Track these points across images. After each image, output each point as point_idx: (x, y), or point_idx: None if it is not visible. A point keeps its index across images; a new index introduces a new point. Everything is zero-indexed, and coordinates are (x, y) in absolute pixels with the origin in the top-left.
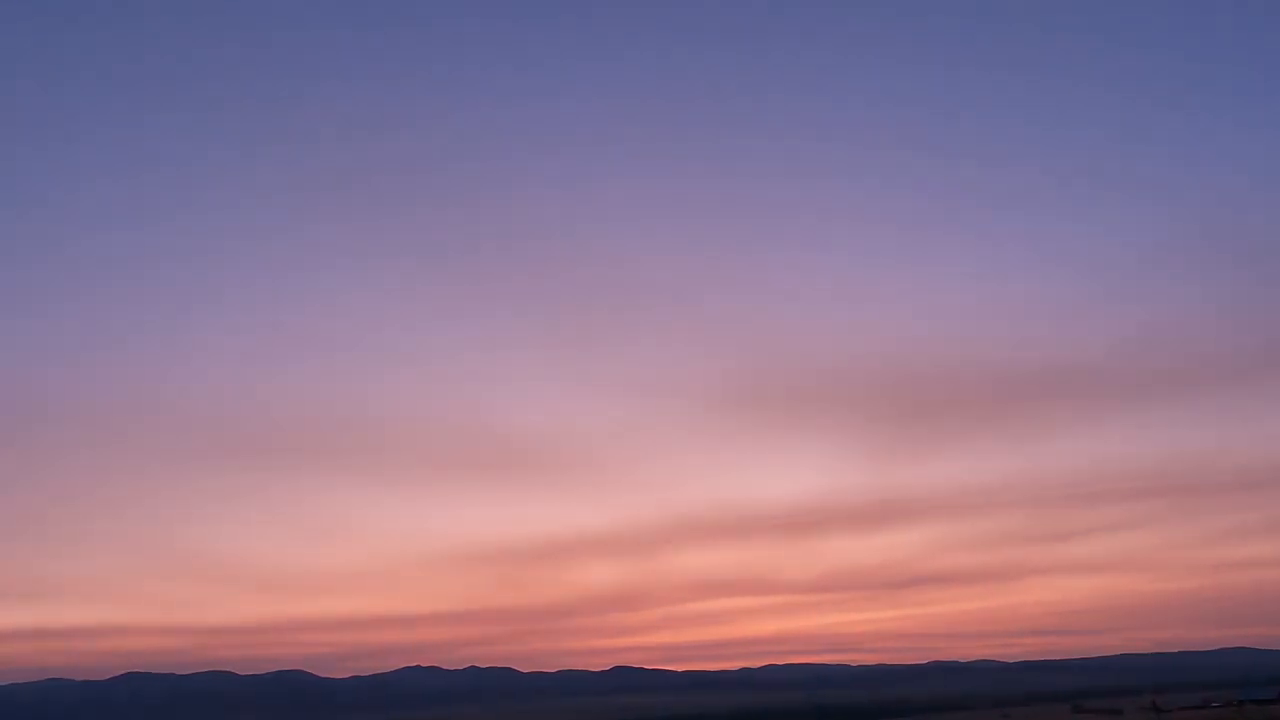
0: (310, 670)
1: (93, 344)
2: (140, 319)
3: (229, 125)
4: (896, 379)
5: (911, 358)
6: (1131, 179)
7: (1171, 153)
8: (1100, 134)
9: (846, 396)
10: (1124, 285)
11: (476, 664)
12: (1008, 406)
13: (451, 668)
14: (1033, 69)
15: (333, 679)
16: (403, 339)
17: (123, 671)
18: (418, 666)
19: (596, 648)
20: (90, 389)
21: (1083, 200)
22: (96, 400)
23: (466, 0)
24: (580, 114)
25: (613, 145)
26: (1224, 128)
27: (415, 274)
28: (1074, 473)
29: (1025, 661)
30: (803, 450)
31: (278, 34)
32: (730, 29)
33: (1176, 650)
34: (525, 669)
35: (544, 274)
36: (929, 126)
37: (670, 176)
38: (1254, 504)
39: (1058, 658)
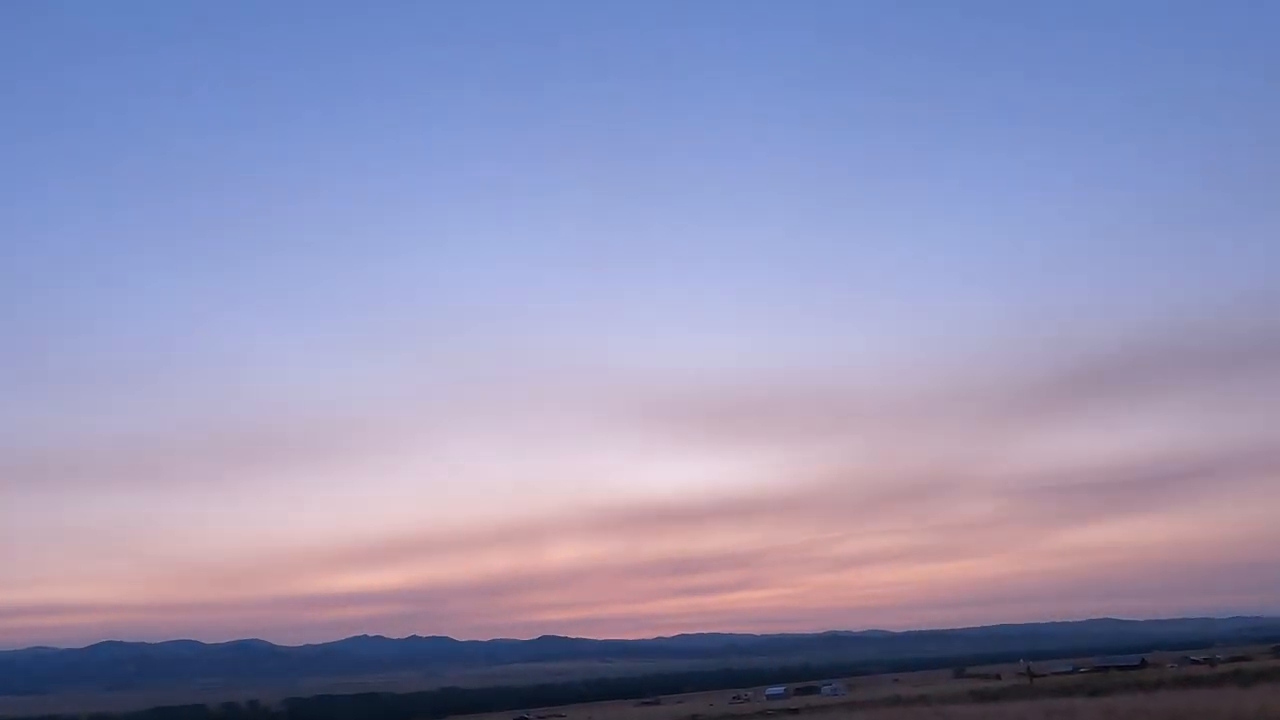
0: (267, 639)
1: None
2: None
3: None
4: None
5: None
6: None
7: None
8: None
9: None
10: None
11: (417, 634)
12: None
13: (394, 637)
14: None
15: (287, 646)
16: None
17: (99, 641)
18: (364, 636)
19: (524, 620)
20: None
21: None
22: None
23: None
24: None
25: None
26: None
27: None
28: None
29: (911, 632)
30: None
31: None
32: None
33: (1047, 621)
34: (461, 638)
35: None
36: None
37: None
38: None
39: (941, 629)
